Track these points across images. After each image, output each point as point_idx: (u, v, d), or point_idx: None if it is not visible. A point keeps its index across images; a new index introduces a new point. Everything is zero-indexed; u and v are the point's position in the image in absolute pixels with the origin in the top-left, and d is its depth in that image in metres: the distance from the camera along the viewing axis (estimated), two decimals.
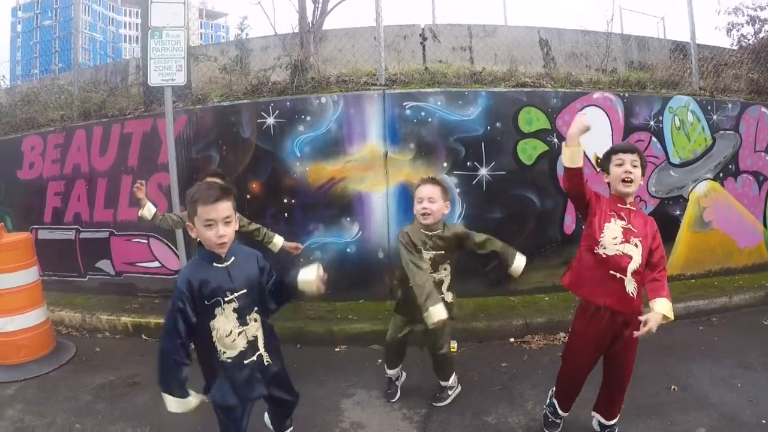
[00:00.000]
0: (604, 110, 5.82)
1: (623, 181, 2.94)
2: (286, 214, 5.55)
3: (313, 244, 5.53)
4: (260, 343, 2.63)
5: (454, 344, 4.55)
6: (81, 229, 6.38)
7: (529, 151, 5.63)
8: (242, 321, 2.55)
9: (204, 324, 2.50)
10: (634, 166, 2.91)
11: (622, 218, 2.94)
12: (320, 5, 6.63)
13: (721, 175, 6.32)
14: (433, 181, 3.55)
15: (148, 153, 5.98)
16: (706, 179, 6.25)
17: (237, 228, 2.59)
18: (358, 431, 3.54)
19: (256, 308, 2.60)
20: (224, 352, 2.54)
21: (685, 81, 6.61)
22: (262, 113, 5.59)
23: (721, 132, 6.30)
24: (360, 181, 5.53)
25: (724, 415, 3.53)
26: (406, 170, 5.49)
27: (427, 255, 3.49)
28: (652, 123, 5.97)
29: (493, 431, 3.50)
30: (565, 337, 4.93)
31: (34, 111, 7.23)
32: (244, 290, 2.54)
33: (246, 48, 7.57)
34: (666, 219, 6.00)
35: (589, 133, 5.69)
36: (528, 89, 5.75)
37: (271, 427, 3.19)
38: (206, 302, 2.47)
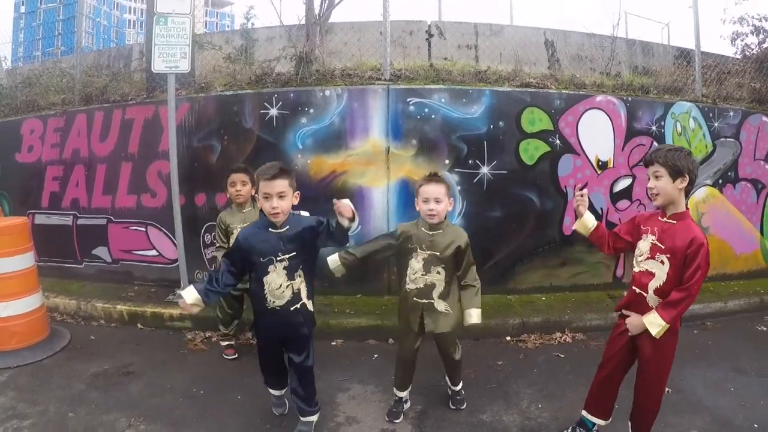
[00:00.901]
0: (606, 113, 5.82)
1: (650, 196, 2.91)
2: None
3: None
4: (303, 294, 3.17)
5: None
6: (78, 215, 6.34)
7: (531, 151, 5.64)
8: (290, 276, 3.11)
9: (260, 277, 3.10)
10: (657, 177, 2.80)
11: (654, 233, 2.86)
12: None
13: (720, 181, 6.35)
14: (438, 179, 3.47)
15: (148, 140, 5.94)
16: (705, 185, 6.28)
17: (295, 203, 3.14)
18: (353, 425, 3.55)
19: (302, 266, 3.14)
20: (274, 302, 3.12)
21: (688, 87, 6.64)
22: (266, 104, 5.56)
23: (722, 139, 6.33)
24: (361, 176, 5.52)
25: (717, 419, 3.58)
26: (408, 166, 5.49)
27: (422, 255, 3.42)
28: (654, 128, 5.98)
29: (487, 429, 3.51)
30: (561, 337, 4.99)
31: (35, 93, 7.18)
32: (294, 253, 3.10)
33: (251, 38, 7.55)
34: None
35: (591, 136, 5.78)
36: (532, 90, 5.75)
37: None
38: (261, 259, 3.07)
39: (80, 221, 6.35)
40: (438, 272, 3.40)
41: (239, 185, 4.43)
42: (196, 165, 5.78)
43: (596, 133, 5.80)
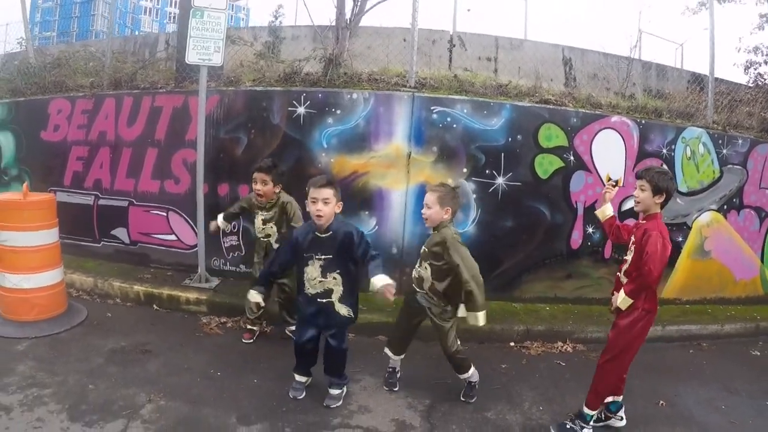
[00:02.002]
0: (620, 134, 5.99)
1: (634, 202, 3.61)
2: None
3: None
4: (335, 295, 3.69)
5: None
6: (100, 196, 6.47)
7: (545, 165, 5.80)
8: (323, 275, 3.65)
9: (302, 267, 3.71)
10: (642, 190, 3.47)
11: (634, 233, 3.57)
12: (359, 3, 6.77)
13: (724, 207, 6.50)
14: (432, 188, 3.90)
15: (176, 128, 6.08)
16: (710, 210, 6.43)
17: (338, 211, 3.67)
18: (365, 414, 3.73)
19: (338, 270, 3.65)
20: (309, 289, 3.70)
21: (700, 113, 6.78)
22: (294, 102, 5.72)
23: (729, 166, 6.48)
24: (382, 178, 5.67)
25: None
26: (427, 172, 5.65)
27: (423, 249, 3.92)
28: (664, 151, 6.14)
29: (492, 426, 3.70)
30: (562, 346, 5.16)
31: (63, 75, 7.30)
32: (330, 256, 3.63)
33: (279, 36, 7.70)
34: None
35: (604, 155, 5.94)
36: (550, 106, 5.91)
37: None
38: (305, 254, 3.67)
39: (101, 201, 6.48)
40: (425, 268, 3.82)
41: (259, 184, 4.54)
42: (221, 156, 5.93)
43: (609, 153, 5.96)
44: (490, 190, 5.75)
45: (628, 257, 3.56)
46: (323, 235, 3.65)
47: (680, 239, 6.32)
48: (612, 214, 3.94)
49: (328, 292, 3.68)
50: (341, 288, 3.68)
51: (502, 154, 5.72)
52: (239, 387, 3.98)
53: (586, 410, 3.57)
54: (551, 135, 5.80)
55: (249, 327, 4.87)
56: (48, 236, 4.89)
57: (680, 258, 6.34)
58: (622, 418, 3.73)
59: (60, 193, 6.60)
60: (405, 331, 4.11)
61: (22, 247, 4.71)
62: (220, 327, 5.10)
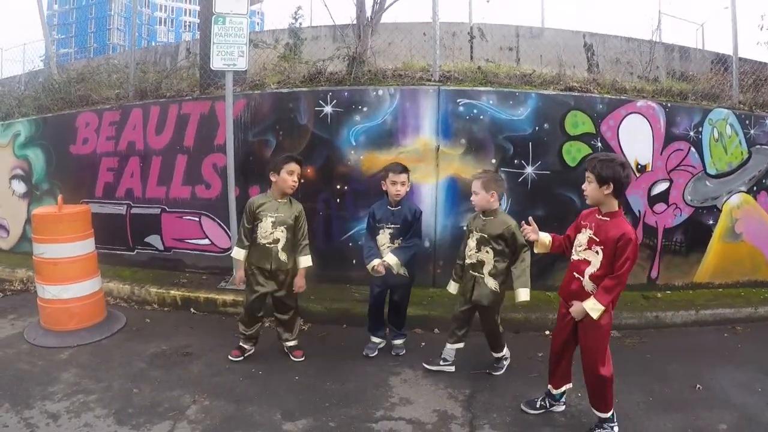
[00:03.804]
0: (646, 118, 5.94)
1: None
2: (337, 200, 5.77)
3: (362, 230, 5.63)
4: None
5: None
6: (133, 205, 6.57)
7: (573, 153, 5.78)
8: (392, 241, 4.39)
9: (375, 236, 4.44)
10: (588, 182, 3.27)
11: (591, 228, 3.31)
12: (380, 1, 6.81)
13: (754, 188, 6.39)
14: (476, 175, 4.08)
15: (204, 134, 6.16)
16: (739, 192, 6.33)
17: (408, 189, 4.45)
18: (407, 406, 3.77)
19: (401, 238, 4.38)
20: (380, 254, 4.36)
21: (726, 94, 6.70)
22: (320, 102, 5.78)
23: (757, 146, 6.37)
24: (411, 172, 5.52)
25: (745, 415, 3.74)
26: (456, 164, 5.67)
27: (475, 236, 4.05)
28: (691, 133, 6.07)
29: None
30: None
31: (89, 88, 7.42)
32: (398, 225, 4.37)
33: (299, 37, 7.77)
34: (699, 228, 6.18)
35: (632, 140, 5.88)
36: (576, 93, 5.89)
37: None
38: (377, 224, 4.43)
39: (134, 210, 6.58)
40: (487, 251, 4.00)
41: (296, 176, 4.38)
42: (251, 159, 6.00)
43: (636, 138, 5.92)
44: (520, 179, 5.76)
45: (592, 258, 3.28)
46: (394, 209, 4.39)
47: (711, 222, 6.23)
48: (550, 238, 3.64)
49: None
50: None
51: (530, 144, 5.71)
52: (281, 384, 4.05)
53: (601, 415, 3.43)
54: (578, 122, 5.78)
55: (241, 344, 4.84)
56: (84, 246, 5.01)
57: (711, 241, 6.27)
58: (564, 404, 3.75)
59: (92, 204, 6.68)
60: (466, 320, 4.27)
61: (59, 258, 4.83)
62: None
